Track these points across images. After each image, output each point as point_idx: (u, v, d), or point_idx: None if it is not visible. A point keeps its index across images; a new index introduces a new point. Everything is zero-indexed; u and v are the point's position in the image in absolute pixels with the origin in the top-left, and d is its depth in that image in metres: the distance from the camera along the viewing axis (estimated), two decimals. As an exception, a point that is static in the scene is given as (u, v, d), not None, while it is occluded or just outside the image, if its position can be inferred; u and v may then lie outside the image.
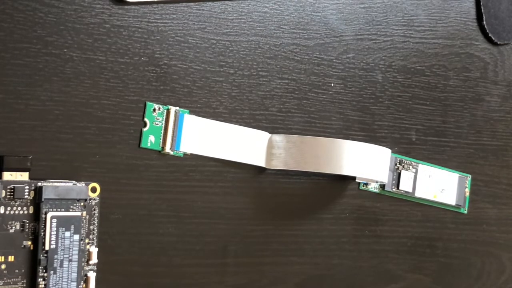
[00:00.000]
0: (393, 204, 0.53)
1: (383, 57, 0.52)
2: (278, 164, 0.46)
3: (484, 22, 0.57)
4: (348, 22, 0.50)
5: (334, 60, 0.50)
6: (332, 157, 0.46)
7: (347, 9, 0.50)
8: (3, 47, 0.38)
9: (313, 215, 0.50)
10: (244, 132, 0.46)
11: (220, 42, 0.45)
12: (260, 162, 0.46)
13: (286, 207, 0.48)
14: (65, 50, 0.39)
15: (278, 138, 0.47)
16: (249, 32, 0.46)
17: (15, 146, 0.38)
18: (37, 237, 0.38)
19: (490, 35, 0.57)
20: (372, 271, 0.53)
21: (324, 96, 0.50)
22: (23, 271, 0.38)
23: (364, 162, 0.47)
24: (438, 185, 0.55)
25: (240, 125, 0.46)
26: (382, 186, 0.52)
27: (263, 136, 0.47)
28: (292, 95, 0.48)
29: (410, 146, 0.54)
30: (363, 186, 0.51)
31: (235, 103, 0.46)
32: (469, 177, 0.57)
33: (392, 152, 0.51)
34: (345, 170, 0.46)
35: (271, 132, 0.47)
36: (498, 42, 0.58)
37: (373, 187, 0.52)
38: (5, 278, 0.37)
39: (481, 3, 0.56)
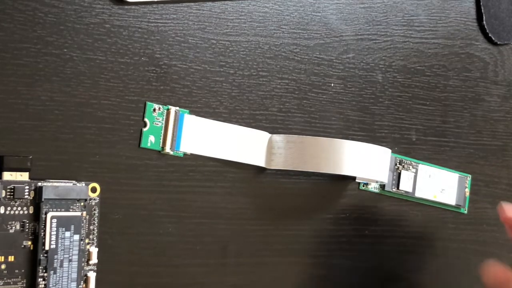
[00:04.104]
0: (393, 204, 0.53)
1: (383, 57, 0.52)
2: (278, 164, 0.46)
3: (484, 22, 0.57)
4: (348, 22, 0.50)
5: (334, 60, 0.50)
6: (332, 157, 0.46)
7: (347, 9, 0.50)
8: (3, 47, 0.38)
9: (313, 215, 0.50)
10: (244, 132, 0.46)
11: (220, 42, 0.45)
12: (260, 162, 0.46)
13: (286, 207, 0.48)
14: (65, 50, 0.39)
15: (278, 138, 0.47)
16: (249, 32, 0.46)
17: (15, 146, 0.38)
18: (37, 237, 0.38)
19: (490, 35, 0.57)
20: (372, 271, 0.52)
21: (324, 96, 0.50)
22: (23, 271, 0.38)
23: (364, 162, 0.47)
24: (438, 185, 0.55)
25: (240, 125, 0.46)
26: (382, 186, 0.52)
27: (263, 136, 0.47)
28: (292, 95, 0.48)
29: (410, 146, 0.54)
30: (363, 186, 0.51)
31: (235, 103, 0.46)
32: (469, 177, 0.57)
33: (392, 152, 0.51)
34: (345, 170, 0.46)
35: (271, 132, 0.47)
36: (498, 42, 0.58)
37: (373, 187, 0.52)
38: (5, 278, 0.37)
39: (481, 3, 0.56)
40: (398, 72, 0.53)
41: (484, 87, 0.58)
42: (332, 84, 0.50)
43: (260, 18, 0.46)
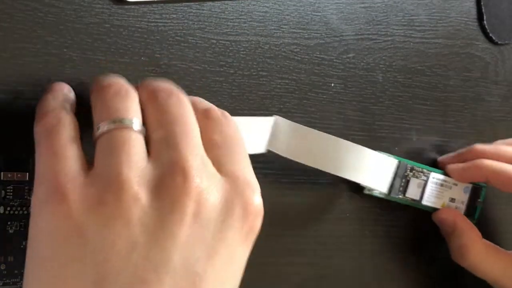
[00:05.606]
0: (394, 205, 0.53)
1: (384, 57, 0.52)
2: (280, 149, 0.45)
3: (485, 21, 0.57)
4: (349, 22, 0.50)
5: (335, 60, 0.50)
6: (333, 157, 0.46)
7: (347, 9, 0.50)
8: (3, 47, 0.38)
9: (313, 215, 0.50)
10: (245, 121, 0.44)
11: (220, 42, 0.45)
12: (261, 149, 0.45)
13: (286, 207, 0.48)
14: (65, 50, 0.39)
15: (283, 122, 0.45)
16: (249, 32, 0.46)
17: (15, 146, 0.38)
18: (36, 237, 0.38)
19: (490, 34, 0.57)
20: (372, 272, 0.52)
21: (324, 96, 0.49)
22: (22, 271, 0.38)
23: (367, 169, 0.46)
24: (448, 194, 0.53)
25: (240, 125, 0.46)
26: (388, 191, 0.50)
27: (266, 123, 0.45)
28: (292, 95, 0.48)
29: (411, 146, 0.54)
30: (368, 191, 0.50)
31: (235, 103, 0.46)
32: (483, 188, 0.54)
33: (395, 155, 0.50)
34: (346, 173, 0.46)
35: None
36: (498, 42, 0.58)
37: (378, 192, 0.50)
38: (4, 279, 0.37)
39: (482, 3, 0.56)
40: (399, 72, 0.53)
41: (485, 87, 0.58)
42: (333, 84, 0.50)
43: (260, 18, 0.46)
